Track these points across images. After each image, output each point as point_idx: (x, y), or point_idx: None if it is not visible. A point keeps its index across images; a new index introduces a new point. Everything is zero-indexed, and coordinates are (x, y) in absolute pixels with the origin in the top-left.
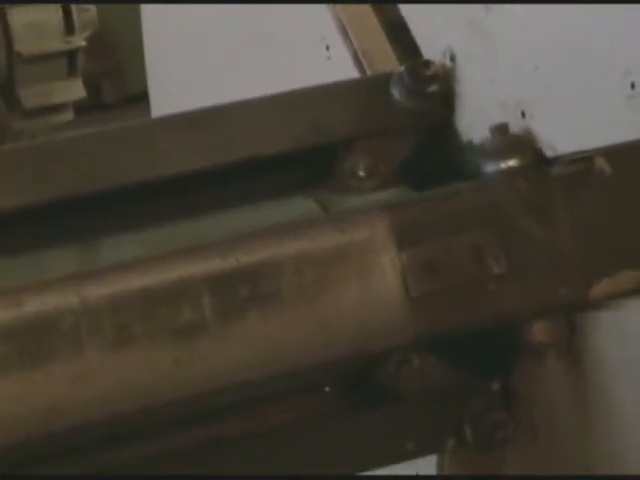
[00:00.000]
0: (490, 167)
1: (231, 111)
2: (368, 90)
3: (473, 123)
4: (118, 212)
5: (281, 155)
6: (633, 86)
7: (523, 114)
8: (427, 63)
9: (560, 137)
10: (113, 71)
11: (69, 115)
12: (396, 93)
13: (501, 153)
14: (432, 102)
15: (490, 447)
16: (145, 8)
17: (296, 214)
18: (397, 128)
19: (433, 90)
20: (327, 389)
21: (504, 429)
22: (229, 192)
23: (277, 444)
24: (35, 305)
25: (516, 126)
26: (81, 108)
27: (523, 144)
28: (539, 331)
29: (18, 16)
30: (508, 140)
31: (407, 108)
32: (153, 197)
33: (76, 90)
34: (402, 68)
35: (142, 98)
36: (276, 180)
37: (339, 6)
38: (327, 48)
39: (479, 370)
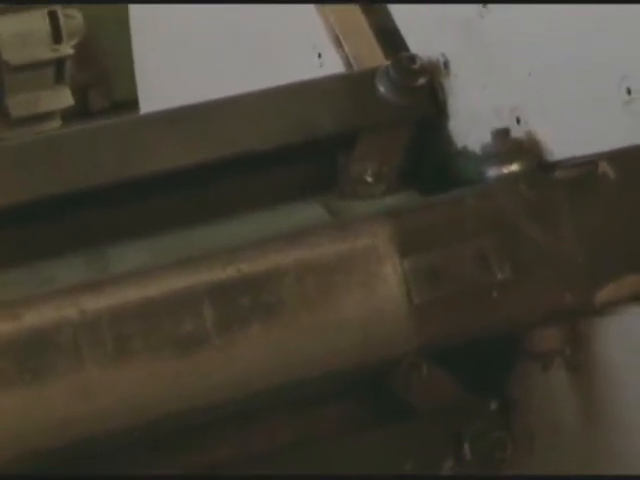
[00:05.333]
0: (492, 172)
1: (218, 107)
2: (354, 85)
3: (468, 129)
4: (117, 215)
5: (270, 150)
6: (629, 91)
7: (518, 120)
8: (413, 57)
9: (556, 143)
10: (100, 79)
11: (57, 123)
12: (382, 87)
13: (503, 158)
14: (419, 96)
15: (488, 467)
16: (134, 15)
17: (304, 220)
18: (384, 122)
19: (419, 84)
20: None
21: (503, 449)
22: (233, 193)
23: (274, 465)
24: (33, 318)
25: (513, 132)
26: (68, 116)
27: (525, 148)
28: (543, 338)
29: (5, 25)
30: (509, 144)
31: (393, 102)
32: (154, 196)
33: (64, 98)
34: (388, 62)
35: (129, 105)
36: (280, 181)
37: (330, 13)
38: (319, 56)
39: (472, 385)
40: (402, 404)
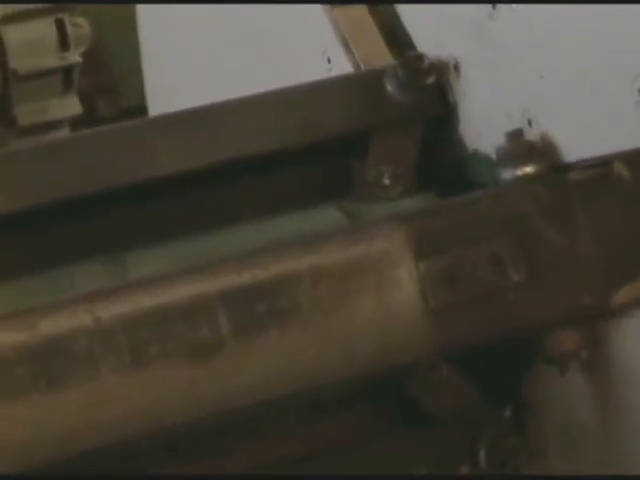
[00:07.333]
0: (506, 174)
1: (225, 109)
2: (361, 84)
3: (479, 132)
4: (135, 220)
5: (281, 152)
6: None
7: (530, 122)
8: (421, 56)
9: (569, 144)
10: (107, 86)
11: (65, 131)
12: (390, 87)
13: (517, 160)
14: (427, 95)
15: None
16: (142, 21)
17: (322, 224)
18: (393, 122)
19: (428, 83)
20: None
21: (518, 456)
22: (249, 196)
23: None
24: (49, 326)
25: (525, 134)
26: (76, 124)
27: (538, 150)
28: (560, 340)
29: (12, 33)
30: (523, 146)
31: (401, 101)
32: (171, 200)
33: (72, 106)
34: (395, 62)
35: (137, 113)
36: (297, 184)
37: (339, 16)
38: (328, 61)
39: (486, 389)
40: (417, 411)
